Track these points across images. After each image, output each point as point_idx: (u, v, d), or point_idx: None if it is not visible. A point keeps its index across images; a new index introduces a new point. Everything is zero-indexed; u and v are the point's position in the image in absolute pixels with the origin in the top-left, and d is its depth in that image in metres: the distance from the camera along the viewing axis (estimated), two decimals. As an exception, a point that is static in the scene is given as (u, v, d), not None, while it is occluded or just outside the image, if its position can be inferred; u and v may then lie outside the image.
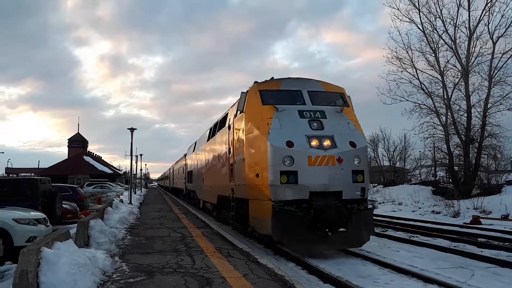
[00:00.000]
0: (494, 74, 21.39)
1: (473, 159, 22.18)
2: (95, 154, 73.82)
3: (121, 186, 47.63)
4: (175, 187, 38.88)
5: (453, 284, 6.28)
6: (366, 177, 8.67)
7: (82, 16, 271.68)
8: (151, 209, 20.31)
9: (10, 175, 65.96)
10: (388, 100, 24.06)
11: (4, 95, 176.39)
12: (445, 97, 22.98)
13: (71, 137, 70.70)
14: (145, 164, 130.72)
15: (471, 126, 22.13)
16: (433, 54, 23.10)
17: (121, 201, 19.76)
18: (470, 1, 21.61)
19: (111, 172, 64.63)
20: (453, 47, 22.26)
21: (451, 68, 22.88)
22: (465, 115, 22.40)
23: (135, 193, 34.83)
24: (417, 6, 22.88)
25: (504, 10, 20.81)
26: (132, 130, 23.48)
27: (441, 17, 22.42)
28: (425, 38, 23.12)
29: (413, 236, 11.80)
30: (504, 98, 21.22)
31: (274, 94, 9.32)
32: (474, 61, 21.93)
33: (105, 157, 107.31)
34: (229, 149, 11.27)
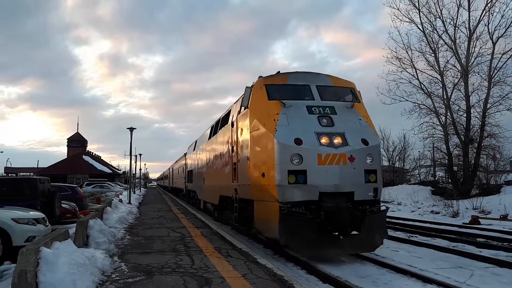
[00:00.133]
0: (493, 74, 21.43)
1: (472, 159, 22.20)
2: (95, 154, 73.88)
3: (120, 185, 47.62)
4: (174, 187, 38.76)
5: (452, 284, 6.28)
6: (379, 177, 8.23)
7: (82, 15, 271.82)
8: (150, 209, 20.31)
9: (9, 174, 65.87)
10: (388, 100, 24.10)
11: (3, 94, 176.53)
12: (445, 97, 23.02)
13: (70, 137, 70.82)
14: (145, 164, 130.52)
15: (471, 126, 22.16)
16: (433, 54, 23.14)
17: (120, 200, 19.75)
18: (470, 1, 21.66)
19: (110, 171, 64.63)
20: (453, 47, 22.28)
21: (450, 68, 22.94)
22: (465, 115, 22.43)
23: (134, 192, 34.80)
24: (417, 6, 22.93)
25: (504, 11, 20.87)
26: (131, 129, 23.47)
27: (441, 17, 22.47)
28: (425, 38, 23.18)
29: (412, 236, 11.81)
30: (504, 98, 21.27)
31: (281, 89, 8.85)
32: (473, 61, 21.98)
33: (105, 157, 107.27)
34: (232, 147, 10.82)
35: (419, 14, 22.98)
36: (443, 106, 23.22)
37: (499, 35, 21.11)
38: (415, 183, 28.22)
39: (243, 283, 5.48)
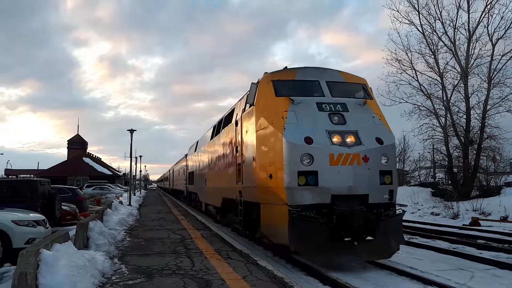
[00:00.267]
0: (493, 76, 21.44)
1: (472, 160, 22.21)
2: (95, 156, 73.93)
3: (120, 187, 47.63)
4: (175, 189, 38.69)
5: (452, 286, 6.28)
6: (394, 178, 7.75)
7: (82, 17, 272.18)
8: (151, 211, 20.30)
9: (10, 176, 65.87)
10: (388, 102, 24.05)
11: (3, 96, 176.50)
12: (445, 98, 23.04)
13: (70, 139, 70.77)
14: (145, 166, 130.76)
15: (470, 128, 22.18)
16: (432, 56, 23.16)
17: (121, 202, 19.77)
18: (470, 3, 21.70)
19: (111, 173, 64.66)
20: (453, 49, 22.31)
21: (450, 70, 22.96)
22: (464, 116, 22.45)
23: (134, 194, 34.81)
24: (417, 8, 22.95)
25: (503, 12, 20.89)
26: (131, 131, 23.51)
27: (441, 19, 22.50)
28: (424, 40, 23.20)
29: (412, 238, 11.79)
30: (503, 100, 21.28)
31: (289, 85, 8.42)
32: (473, 63, 22.00)
33: (105, 159, 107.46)
34: (236, 147, 10.37)
35: (419, 16, 23.03)
36: (443, 107, 23.25)
37: (499, 37, 21.14)
38: (415, 185, 28.18)
39: (243, 285, 5.48)
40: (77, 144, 68.90)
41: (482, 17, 21.44)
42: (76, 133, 71.29)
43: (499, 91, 21.43)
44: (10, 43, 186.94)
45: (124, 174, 68.75)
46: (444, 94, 23.06)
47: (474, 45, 21.87)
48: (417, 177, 33.45)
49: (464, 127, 22.37)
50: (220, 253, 7.89)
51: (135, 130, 23.64)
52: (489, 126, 21.87)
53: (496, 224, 14.73)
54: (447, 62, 22.91)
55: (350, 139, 7.39)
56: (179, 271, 6.34)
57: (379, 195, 7.51)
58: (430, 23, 22.94)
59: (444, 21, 22.42)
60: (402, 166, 37.08)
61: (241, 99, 10.73)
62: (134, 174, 38.96)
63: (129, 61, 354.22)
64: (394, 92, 23.82)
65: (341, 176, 7.17)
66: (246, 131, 9.40)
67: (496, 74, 21.41)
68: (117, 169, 79.82)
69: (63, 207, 13.44)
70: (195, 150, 21.12)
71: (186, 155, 27.18)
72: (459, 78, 22.36)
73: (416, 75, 23.68)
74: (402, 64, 23.72)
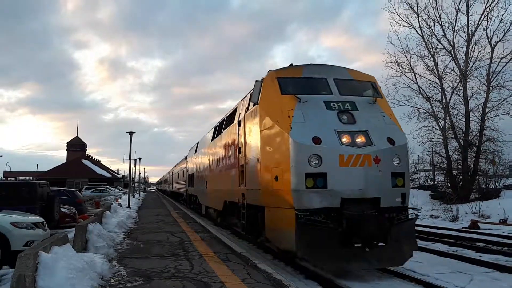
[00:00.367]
0: (492, 78, 21.54)
1: (472, 163, 22.26)
2: (94, 158, 73.91)
3: (119, 190, 47.55)
4: (174, 191, 38.55)
5: (451, 289, 6.27)
6: (406, 180, 7.34)
7: (82, 19, 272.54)
8: (150, 213, 20.28)
9: (9, 178, 65.82)
10: (387, 104, 24.10)
11: (3, 98, 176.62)
12: (444, 101, 23.12)
13: (70, 141, 70.71)
14: (144, 168, 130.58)
15: (470, 131, 22.23)
16: (431, 59, 23.27)
17: (120, 205, 19.72)
18: (469, 6, 21.81)
19: (110, 175, 64.64)
20: (452, 52, 22.40)
21: (449, 73, 23.08)
22: (464, 119, 22.53)
23: (133, 197, 34.75)
24: (416, 11, 23.09)
25: (502, 15, 21.04)
26: (131, 133, 23.49)
27: (440, 22, 22.63)
28: (423, 43, 23.33)
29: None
30: (502, 102, 21.40)
31: (295, 82, 8.09)
32: (472, 66, 22.11)
33: (104, 161, 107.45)
34: (239, 148, 9.99)
35: (418, 19, 23.17)
36: (442, 110, 23.32)
37: (498, 40, 21.28)
38: (414, 187, 28.15)
39: (242, 287, 5.47)
40: (76, 146, 68.85)
41: (481, 20, 21.60)
42: (76, 135, 71.34)
43: (498, 94, 21.58)
44: (10, 46, 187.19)
45: (123, 176, 68.65)
46: (443, 96, 23.15)
47: (473, 48, 22.01)
48: (417, 179, 33.44)
49: (463, 130, 22.43)
50: (219, 256, 7.88)
51: (135, 132, 23.64)
52: (488, 129, 21.97)
53: (496, 227, 14.74)
54: (446, 65, 23.05)
55: (360, 139, 7.02)
56: (178, 273, 6.33)
57: (391, 199, 7.12)
58: (429, 26, 23.11)
59: (443, 24, 22.58)
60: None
61: (243, 98, 10.49)
62: (133, 176, 38.93)
63: (129, 63, 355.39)
64: (394, 95, 23.97)
65: (351, 178, 6.80)
66: (250, 131, 9.10)
67: (495, 77, 21.54)
68: (116, 172, 79.76)
69: (62, 210, 13.42)
70: (195, 152, 20.88)
71: (185, 157, 27.06)
72: (458, 80, 22.45)
73: (416, 78, 23.81)
74: (402, 67, 23.86)
